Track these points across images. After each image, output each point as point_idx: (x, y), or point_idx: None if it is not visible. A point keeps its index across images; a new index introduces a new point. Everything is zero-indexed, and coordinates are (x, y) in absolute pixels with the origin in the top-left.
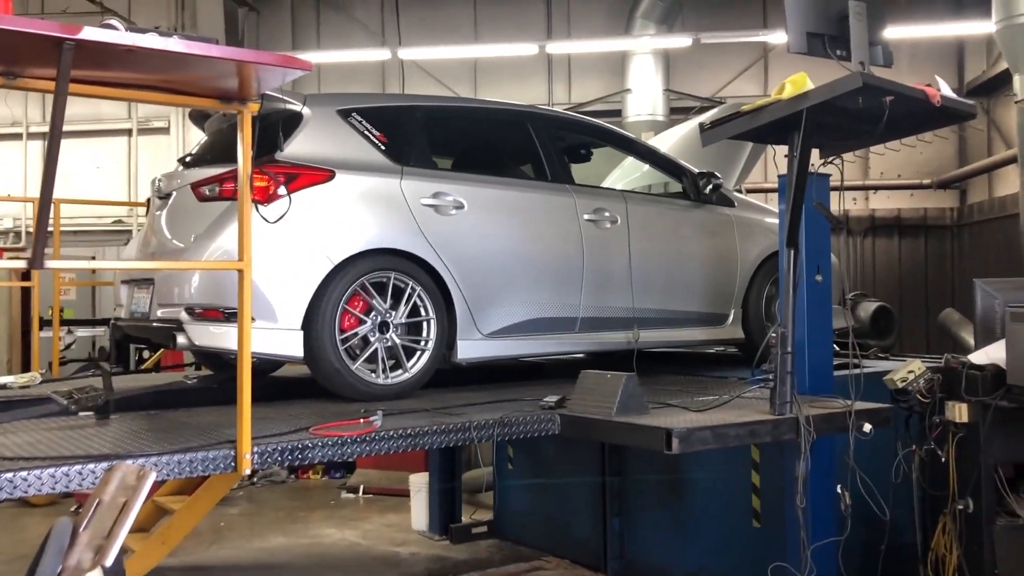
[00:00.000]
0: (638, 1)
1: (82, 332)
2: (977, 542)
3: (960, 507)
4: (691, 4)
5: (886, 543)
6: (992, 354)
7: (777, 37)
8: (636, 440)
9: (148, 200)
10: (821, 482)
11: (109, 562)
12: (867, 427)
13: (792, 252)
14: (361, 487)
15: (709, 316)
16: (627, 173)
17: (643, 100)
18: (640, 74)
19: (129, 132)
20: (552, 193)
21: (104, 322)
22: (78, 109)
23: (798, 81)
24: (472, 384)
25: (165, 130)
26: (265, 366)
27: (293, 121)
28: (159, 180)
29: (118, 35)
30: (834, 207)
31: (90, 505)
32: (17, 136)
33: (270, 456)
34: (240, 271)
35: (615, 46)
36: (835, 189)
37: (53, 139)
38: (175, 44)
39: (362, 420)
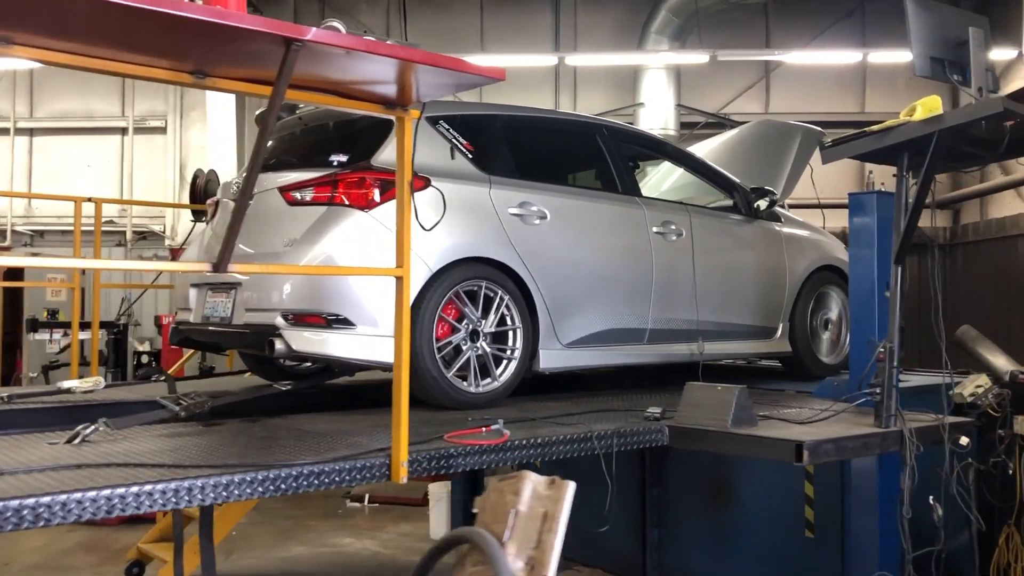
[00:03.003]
0: (653, 16)
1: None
2: None
3: None
4: (701, 23)
5: (945, 552)
6: None
7: (786, 57)
8: (759, 452)
9: (215, 203)
10: (889, 495)
11: (551, 574)
12: (964, 440)
13: (899, 269)
14: (367, 496)
15: (761, 329)
16: (657, 185)
17: (656, 114)
18: (653, 88)
19: (123, 131)
20: (624, 205)
21: (101, 325)
22: (69, 106)
23: (929, 103)
24: (525, 395)
25: (162, 130)
26: (320, 376)
27: (383, 127)
28: (236, 183)
29: (343, 37)
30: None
31: (498, 512)
32: (4, 132)
33: (419, 464)
34: (399, 278)
35: (630, 60)
36: None
37: (261, 141)
38: (399, 49)
39: (484, 429)
